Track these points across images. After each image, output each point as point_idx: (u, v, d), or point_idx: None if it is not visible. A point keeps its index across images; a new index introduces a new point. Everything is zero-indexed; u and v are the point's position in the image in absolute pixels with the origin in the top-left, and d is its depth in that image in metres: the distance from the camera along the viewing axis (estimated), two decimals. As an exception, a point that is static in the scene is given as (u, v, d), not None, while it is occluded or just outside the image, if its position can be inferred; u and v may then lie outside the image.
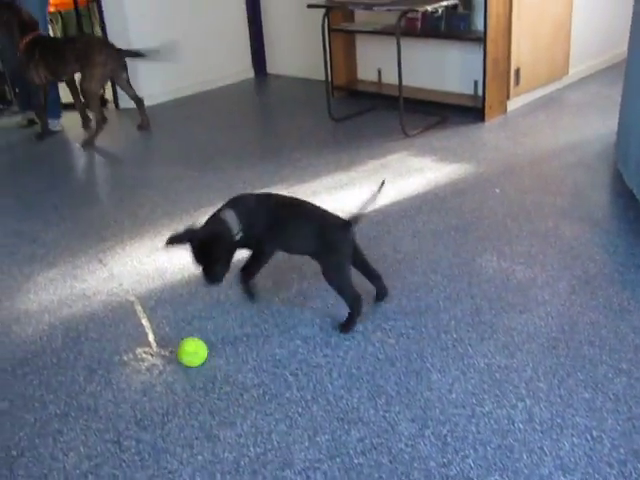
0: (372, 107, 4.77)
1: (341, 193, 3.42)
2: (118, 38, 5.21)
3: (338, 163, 3.81)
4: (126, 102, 5.38)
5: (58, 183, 4.03)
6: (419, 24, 4.64)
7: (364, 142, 4.10)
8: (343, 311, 2.37)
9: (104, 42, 4.53)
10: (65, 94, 4.99)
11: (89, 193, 3.83)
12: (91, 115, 4.72)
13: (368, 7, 4.12)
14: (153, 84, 5.42)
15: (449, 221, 3.06)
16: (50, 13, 6.91)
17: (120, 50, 4.40)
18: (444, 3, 4.04)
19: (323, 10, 4.41)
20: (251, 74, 5.96)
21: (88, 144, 4.50)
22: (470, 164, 3.67)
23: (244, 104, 5.32)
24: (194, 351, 2.24)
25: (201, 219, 2.37)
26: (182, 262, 2.88)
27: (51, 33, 6.10)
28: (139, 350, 2.36)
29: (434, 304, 2.46)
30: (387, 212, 3.18)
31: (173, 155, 4.22)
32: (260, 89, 5.76)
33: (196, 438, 1.94)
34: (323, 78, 5.22)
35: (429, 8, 3.94)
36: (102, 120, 4.55)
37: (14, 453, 1.96)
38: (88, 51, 4.35)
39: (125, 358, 2.32)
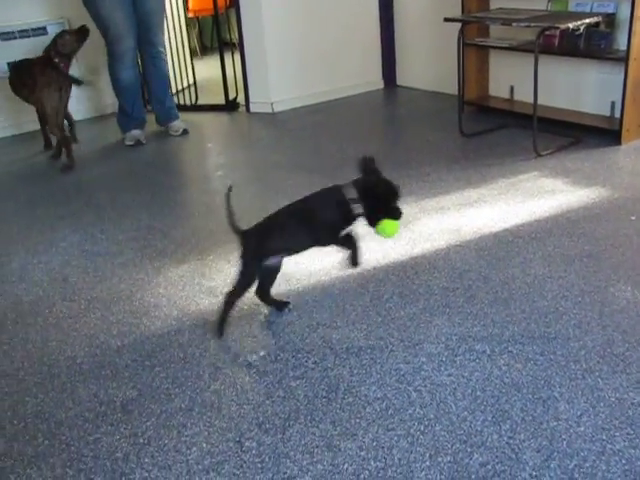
0: (503, 124, 4.67)
1: (470, 210, 3.36)
2: (254, 44, 5.35)
3: (468, 179, 3.75)
4: (258, 106, 5.50)
5: (189, 181, 4.16)
6: (557, 41, 4.52)
7: (495, 160, 4.03)
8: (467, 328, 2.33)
9: (45, 63, 4.51)
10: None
11: (218, 193, 3.91)
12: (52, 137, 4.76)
13: (507, 23, 4.05)
14: (283, 90, 5.52)
15: (581, 246, 2.95)
16: (189, 19, 7.19)
17: (61, 71, 4.49)
18: (587, 20, 3.92)
19: (458, 24, 4.36)
20: (381, 85, 5.97)
21: (67, 167, 4.56)
22: (604, 188, 3.54)
23: (373, 115, 5.33)
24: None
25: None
26: (309, 268, 2.91)
27: (186, 39, 6.28)
28: (263, 353, 2.38)
29: (563, 331, 2.38)
30: (517, 233, 3.10)
31: (302, 162, 4.26)
32: (389, 100, 5.75)
33: (316, 446, 1.94)
34: (453, 92, 5.19)
35: (571, 25, 3.83)
36: (63, 139, 4.57)
37: (141, 441, 2.02)
38: (32, 72, 4.47)
39: (249, 359, 2.36)
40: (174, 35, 5.84)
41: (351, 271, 2.82)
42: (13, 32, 5.43)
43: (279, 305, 2.63)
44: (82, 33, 4.58)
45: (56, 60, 4.49)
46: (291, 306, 2.65)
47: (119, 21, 4.69)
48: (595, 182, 3.64)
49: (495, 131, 4.58)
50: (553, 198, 3.47)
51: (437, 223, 3.25)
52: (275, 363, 2.33)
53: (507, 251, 2.94)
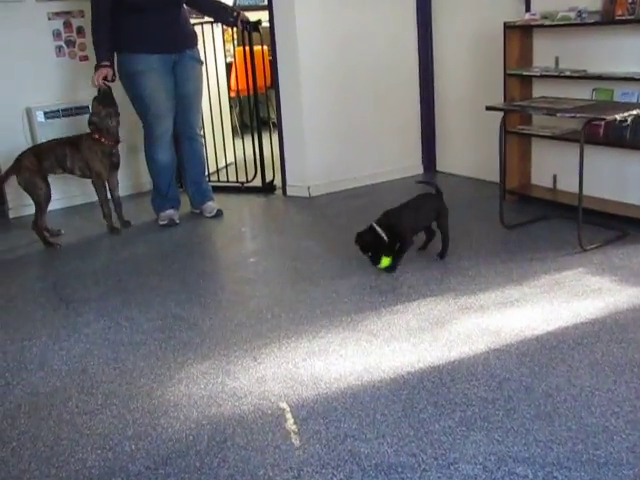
0: (545, 215, 4.52)
1: (511, 310, 3.19)
2: (292, 127, 5.31)
3: (509, 275, 3.58)
4: (294, 190, 5.43)
5: (220, 267, 4.05)
6: (602, 131, 4.39)
7: (537, 253, 3.86)
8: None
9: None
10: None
11: (249, 282, 3.79)
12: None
13: (551, 113, 3.94)
14: (321, 174, 5.45)
15: (632, 355, 2.75)
16: (232, 98, 7.22)
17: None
18: (634, 112, 3.79)
19: (501, 112, 4.27)
20: (420, 170, 5.88)
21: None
22: (655, 289, 3.34)
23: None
24: None
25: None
26: (339, 370, 2.75)
27: (227, 118, 6.28)
28: (284, 466, 2.21)
29: (615, 455, 2.17)
30: (561, 337, 2.92)
31: (336, 249, 4.13)
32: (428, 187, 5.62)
33: None
34: (493, 179, 5.09)
35: (618, 117, 3.70)
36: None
37: None
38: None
39: (270, 474, 2.18)
40: (216, 114, 5.83)
41: (385, 376, 2.65)
42: (57, 111, 5.47)
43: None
44: (104, 97, 4.61)
45: (96, 136, 4.60)
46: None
47: (161, 102, 4.69)
48: (644, 281, 3.44)
49: (537, 222, 4.42)
50: (599, 298, 3.28)
51: (476, 323, 3.07)
52: (297, 479, 2.15)
53: (551, 357, 2.75)
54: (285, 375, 2.75)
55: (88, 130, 4.67)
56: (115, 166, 4.77)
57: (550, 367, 2.68)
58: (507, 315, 3.14)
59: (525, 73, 4.64)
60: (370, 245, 3.67)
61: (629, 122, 3.82)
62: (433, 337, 2.97)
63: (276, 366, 2.83)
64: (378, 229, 3.63)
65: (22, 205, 5.36)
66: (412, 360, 2.80)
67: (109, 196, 4.80)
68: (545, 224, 4.38)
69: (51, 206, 4.76)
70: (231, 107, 7.58)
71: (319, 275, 3.75)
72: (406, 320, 3.16)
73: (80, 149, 4.62)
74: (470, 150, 5.61)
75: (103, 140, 4.61)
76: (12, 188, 5.23)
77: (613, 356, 2.75)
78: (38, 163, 4.59)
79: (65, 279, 4.05)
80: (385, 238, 3.62)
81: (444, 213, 3.87)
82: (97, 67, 4.60)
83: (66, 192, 5.46)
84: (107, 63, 4.58)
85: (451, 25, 5.50)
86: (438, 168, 5.95)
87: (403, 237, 3.71)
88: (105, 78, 4.59)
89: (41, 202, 4.65)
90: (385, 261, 3.68)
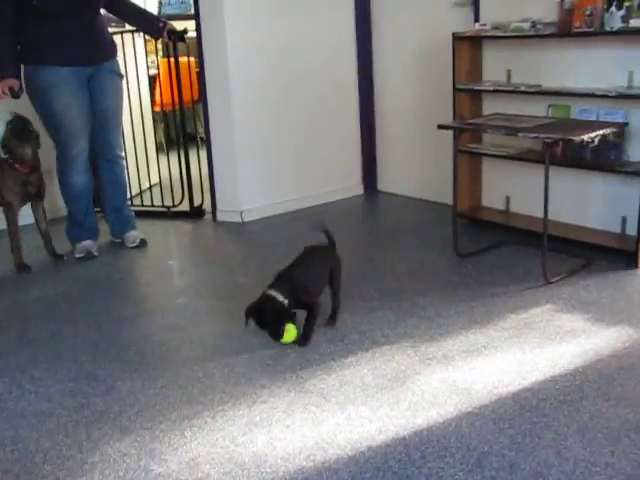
0: (501, 241, 4.17)
1: (479, 360, 2.80)
2: (222, 146, 4.85)
3: (471, 315, 3.20)
4: (225, 215, 4.97)
5: (143, 311, 3.56)
6: (559, 150, 4.05)
7: (498, 288, 3.49)
8: None
9: None
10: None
11: (176, 328, 3.30)
12: None
13: (512, 133, 3.59)
14: (254, 197, 5.00)
15: (624, 415, 2.39)
16: (156, 113, 6.72)
17: None
18: (601, 132, 3.48)
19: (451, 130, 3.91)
20: (360, 191, 5.48)
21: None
22: (632, 327, 3.01)
23: (353, 227, 4.79)
24: None
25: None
26: (286, 447, 2.30)
27: (150, 134, 5.77)
28: None
29: None
30: (540, 394, 2.53)
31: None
32: (371, 209, 5.24)
33: None
34: (438, 200, 4.80)
35: (585, 138, 3.37)
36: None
37: None
38: None
39: None
40: (139, 131, 5.31)
41: (343, 454, 2.21)
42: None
43: None
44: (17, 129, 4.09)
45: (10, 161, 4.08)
46: None
47: (74, 120, 4.17)
48: (620, 319, 3.11)
49: (493, 250, 4.07)
50: (575, 341, 2.92)
51: (442, 379, 2.67)
52: None
53: (533, 422, 2.36)
54: (222, 456, 2.29)
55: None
56: (36, 195, 4.22)
57: (534, 435, 2.29)
58: (476, 367, 2.75)
59: (477, 88, 4.30)
60: (270, 317, 2.91)
61: (596, 142, 3.47)
62: (394, 398, 2.56)
63: (211, 443, 2.36)
64: (276, 294, 2.93)
65: None
66: (372, 431, 2.37)
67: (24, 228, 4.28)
68: (502, 251, 4.04)
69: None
70: (155, 122, 7.08)
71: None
72: (360, 376, 2.73)
73: None
74: (414, 169, 5.25)
75: (17, 166, 4.05)
76: None
77: (603, 417, 2.37)
78: None
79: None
80: (286, 304, 2.92)
81: (338, 268, 3.24)
82: (1, 80, 4.06)
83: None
84: (12, 75, 4.04)
85: (394, 36, 5.13)
86: (380, 187, 5.58)
87: (310, 301, 3.03)
88: (11, 89, 4.04)
89: None
90: (291, 333, 2.99)
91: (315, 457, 2.24)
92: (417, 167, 5.20)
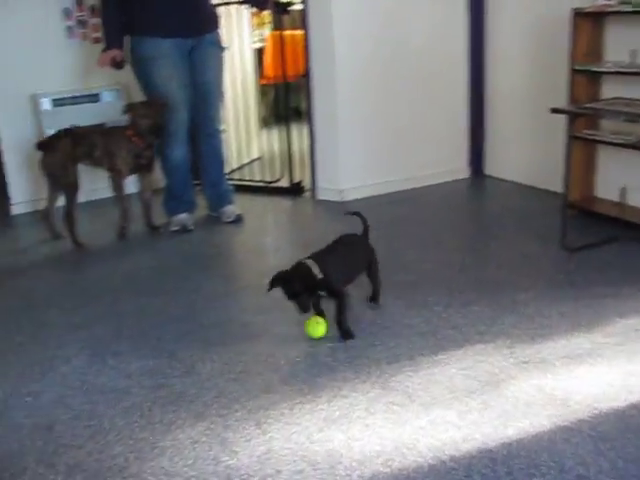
0: (614, 236, 3.86)
1: (581, 369, 2.56)
2: (325, 123, 4.71)
3: (575, 317, 2.95)
4: (325, 193, 4.84)
5: (233, 289, 3.48)
6: (687, 140, 3.72)
7: (608, 287, 3.22)
8: None
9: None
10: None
11: (263, 311, 3.20)
12: None
13: (633, 119, 3.28)
14: (356, 176, 4.84)
15: None
16: (263, 86, 6.65)
17: None
18: None
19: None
20: (466, 174, 5.23)
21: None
22: None
23: (457, 213, 4.56)
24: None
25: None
26: (364, 449, 2.16)
27: (253, 108, 5.68)
28: None
29: None
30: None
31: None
32: (476, 194, 5.00)
33: None
34: (549, 188, 4.51)
35: None
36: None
37: None
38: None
39: None
40: (241, 104, 5.24)
41: (423, 462, 2.05)
42: (65, 98, 4.93)
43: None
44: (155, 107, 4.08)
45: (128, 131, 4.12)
46: None
47: (174, 93, 4.13)
48: None
49: (604, 245, 3.77)
50: (692, 355, 2.63)
51: (538, 387, 2.45)
52: None
53: (638, 446, 2.12)
54: (295, 452, 2.17)
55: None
56: (145, 167, 4.22)
57: (639, 462, 2.05)
58: (576, 376, 2.52)
59: (595, 69, 3.97)
60: (302, 287, 2.72)
61: None
62: (484, 404, 2.37)
63: (285, 438, 2.25)
64: (312, 266, 2.76)
65: (30, 200, 4.86)
66: (457, 438, 2.19)
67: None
68: (614, 248, 3.73)
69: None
70: (263, 95, 7.03)
71: (364, 306, 3.15)
72: (449, 376, 2.55)
73: (110, 141, 4.12)
74: (524, 154, 4.95)
75: (134, 139, 4.07)
76: (18, 181, 4.82)
77: None
78: (72, 147, 4.08)
79: (53, 295, 3.53)
80: (319, 277, 2.74)
81: (373, 257, 3.08)
82: (105, 50, 4.07)
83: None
84: (116, 47, 4.04)
85: (509, 11, 4.83)
86: (487, 171, 5.30)
87: (339, 289, 2.84)
88: (113, 60, 4.04)
89: (72, 189, 4.14)
90: (321, 327, 2.84)
91: (393, 462, 2.09)
92: (527, 152, 4.91)
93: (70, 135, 4.11)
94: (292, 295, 2.75)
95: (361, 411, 2.37)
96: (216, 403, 2.47)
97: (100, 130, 4.26)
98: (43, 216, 4.31)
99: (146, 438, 2.30)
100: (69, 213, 4.11)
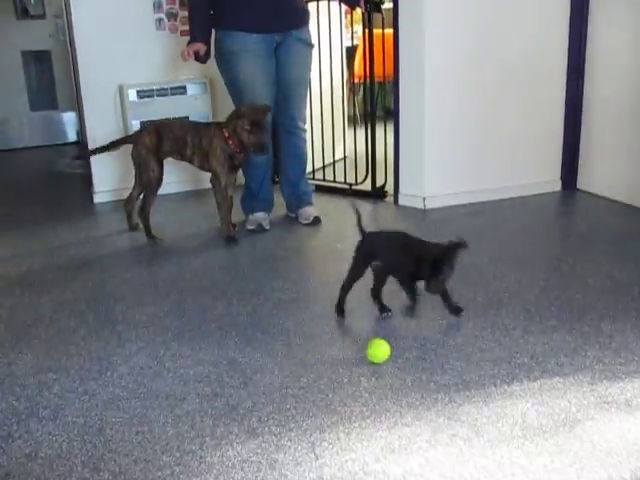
0: None
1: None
2: (410, 126, 4.54)
3: (667, 355, 2.70)
4: (407, 199, 4.67)
5: (301, 295, 3.36)
6: None
7: None
8: None
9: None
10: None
11: (330, 321, 3.08)
12: None
13: None
14: (440, 183, 4.66)
15: None
16: (354, 84, 6.54)
17: None
18: None
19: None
20: (557, 187, 4.95)
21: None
22: None
23: (544, 228, 4.31)
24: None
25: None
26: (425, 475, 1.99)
27: (340, 107, 5.54)
28: None
29: None
30: None
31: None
32: (567, 209, 4.73)
33: None
34: None
35: None
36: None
37: None
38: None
39: None
40: (327, 102, 5.12)
41: None
42: (151, 90, 4.93)
43: (382, 307, 3.03)
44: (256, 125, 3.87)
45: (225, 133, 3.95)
46: (390, 314, 3.02)
47: (257, 89, 4.04)
48: None
49: None
50: None
51: (620, 432, 2.24)
52: None
53: None
54: (348, 481, 2.03)
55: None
56: (235, 168, 4.11)
57: None
58: (663, 430, 2.28)
59: None
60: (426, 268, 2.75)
61: None
62: (557, 447, 2.17)
63: (338, 465, 2.11)
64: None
65: (111, 190, 4.89)
66: (524, 483, 2.00)
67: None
68: None
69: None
70: (353, 93, 6.90)
71: (435, 325, 2.98)
72: (522, 411, 2.36)
73: (202, 138, 3.99)
74: (622, 168, 4.65)
75: (230, 142, 3.93)
76: (101, 170, 4.86)
77: None
78: (158, 142, 4.04)
79: (121, 289, 3.49)
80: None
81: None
82: (189, 43, 4.02)
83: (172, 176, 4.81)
84: (200, 40, 3.98)
85: (613, 16, 4.52)
86: (579, 186, 5.01)
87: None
88: (197, 53, 3.98)
89: (151, 186, 4.10)
90: (385, 350, 2.68)
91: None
92: (626, 167, 4.61)
93: (156, 129, 4.05)
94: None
95: (423, 442, 2.21)
96: (271, 419, 2.35)
97: (191, 125, 4.15)
98: (125, 205, 4.30)
99: (194, 451, 2.20)
100: (144, 207, 4.08)
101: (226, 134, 3.91)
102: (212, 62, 4.14)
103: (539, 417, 2.32)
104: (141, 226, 4.20)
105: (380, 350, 2.66)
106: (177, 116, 4.79)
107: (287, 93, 4.19)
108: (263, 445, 2.22)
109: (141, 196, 4.19)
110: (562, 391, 2.46)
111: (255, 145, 3.85)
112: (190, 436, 2.28)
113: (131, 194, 4.25)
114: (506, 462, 2.10)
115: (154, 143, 4.01)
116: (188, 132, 4.03)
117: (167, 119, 4.36)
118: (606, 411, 2.35)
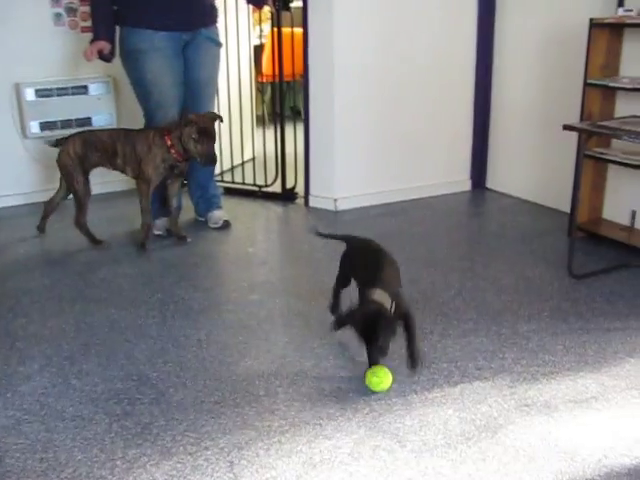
0: (622, 263, 3.64)
1: (588, 416, 2.34)
2: (320, 126, 4.48)
3: (581, 353, 2.73)
4: (318, 201, 4.61)
5: (212, 304, 3.24)
6: None
7: (616, 322, 3.00)
8: None
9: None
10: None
11: (244, 329, 2.98)
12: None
13: (652, 141, 3.05)
14: (351, 184, 4.62)
15: None
16: (261, 84, 6.46)
17: None
18: None
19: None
20: (467, 187, 5.00)
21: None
22: None
23: (456, 228, 4.33)
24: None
25: None
26: (343, 506, 1.92)
27: (248, 107, 5.44)
28: None
29: None
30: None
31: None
32: (477, 209, 4.76)
33: None
34: (554, 206, 4.31)
35: None
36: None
37: None
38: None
39: None
40: (236, 101, 5.00)
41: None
42: (51, 89, 4.69)
43: (334, 305, 2.88)
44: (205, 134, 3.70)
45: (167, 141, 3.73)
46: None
47: (165, 90, 3.89)
48: None
49: (612, 272, 3.55)
50: None
51: (541, 435, 2.23)
52: None
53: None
54: (268, 503, 1.93)
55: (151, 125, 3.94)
56: (178, 175, 3.92)
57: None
58: (584, 423, 2.29)
59: (612, 84, 3.74)
60: (383, 328, 2.36)
61: None
62: (481, 453, 2.14)
63: (257, 485, 2.01)
64: (381, 295, 2.41)
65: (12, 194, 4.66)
66: (443, 497, 1.96)
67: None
68: (623, 276, 3.51)
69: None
70: (260, 92, 6.81)
71: (341, 334, 2.90)
72: (444, 418, 2.32)
73: (137, 145, 3.76)
74: (529, 168, 4.73)
75: (172, 151, 3.74)
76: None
77: None
78: (83, 153, 3.80)
79: (24, 301, 3.29)
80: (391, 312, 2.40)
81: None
82: (92, 41, 3.83)
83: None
84: (104, 38, 3.80)
85: (520, 21, 4.59)
86: (489, 185, 5.08)
87: (410, 311, 2.53)
88: (100, 53, 3.79)
89: (78, 197, 3.89)
90: (387, 378, 2.43)
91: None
92: (533, 167, 4.69)
93: (82, 139, 3.84)
94: (372, 339, 2.37)
95: (345, 456, 2.14)
96: (185, 438, 2.24)
97: (123, 133, 3.86)
98: (46, 205, 4.08)
99: (105, 477, 2.07)
100: (77, 220, 3.94)
101: (169, 142, 3.71)
102: (117, 60, 3.95)
103: (461, 424, 2.29)
104: (45, 231, 4.02)
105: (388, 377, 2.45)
106: (78, 117, 4.60)
107: (196, 93, 4.06)
108: (178, 466, 2.10)
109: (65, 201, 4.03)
110: (482, 395, 2.44)
111: (203, 155, 3.69)
112: (100, 460, 2.14)
113: (53, 197, 4.03)
114: (430, 472, 2.05)
115: (79, 154, 3.78)
116: (117, 140, 3.79)
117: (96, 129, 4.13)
118: (526, 414, 2.34)
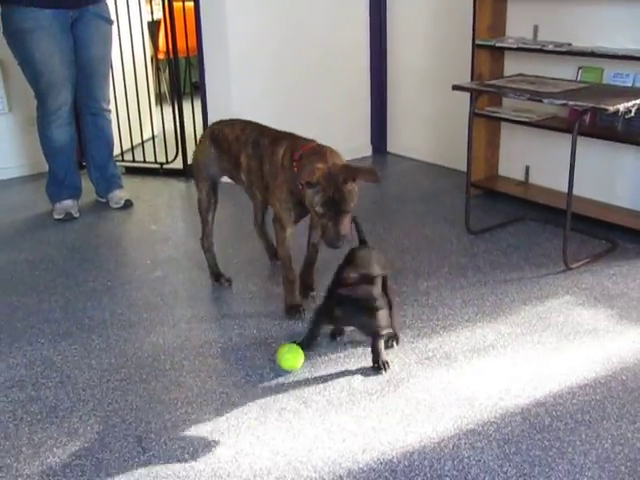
0: (518, 217, 3.78)
1: (486, 362, 2.44)
2: (217, 100, 4.45)
3: (480, 305, 2.83)
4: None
5: (117, 284, 3.21)
6: (587, 119, 3.65)
7: (512, 273, 3.12)
8: None
9: None
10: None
11: (149, 307, 2.97)
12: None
13: (536, 98, 3.17)
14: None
15: (657, 443, 2.02)
16: (159, 61, 6.36)
17: None
18: (639, 101, 3.04)
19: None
20: (368, 152, 5.07)
21: None
22: (664, 328, 2.62)
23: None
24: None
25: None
26: (253, 465, 1.96)
27: (144, 84, 5.35)
28: None
29: None
30: (556, 409, 2.17)
31: (257, 262, 3.31)
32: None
33: None
34: (453, 166, 4.44)
35: (621, 108, 2.95)
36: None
37: None
38: None
39: None
40: (132, 80, 4.91)
41: (317, 477, 1.87)
42: None
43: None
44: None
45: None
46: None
47: (55, 70, 3.79)
48: (648, 316, 2.72)
49: (509, 226, 3.68)
50: (597, 344, 2.55)
51: (441, 385, 2.31)
52: None
53: (544, 447, 2.00)
54: (177, 473, 1.96)
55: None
56: None
57: (545, 465, 1.93)
58: (481, 370, 2.39)
59: (498, 44, 3.86)
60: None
61: (632, 113, 3.05)
62: (384, 407, 2.21)
63: (167, 457, 2.03)
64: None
65: None
66: (355, 448, 2.02)
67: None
68: (518, 228, 3.65)
69: None
70: (159, 70, 6.70)
71: (245, 304, 2.94)
72: (348, 377, 2.38)
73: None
74: (427, 131, 4.83)
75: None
76: None
77: (628, 445, 2.02)
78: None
79: None
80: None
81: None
82: None
83: None
84: None
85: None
86: (389, 149, 5.17)
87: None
88: None
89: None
90: (296, 357, 2.38)
91: (285, 480, 1.90)
92: (431, 129, 4.79)
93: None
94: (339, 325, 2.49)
95: (252, 420, 2.17)
96: (92, 417, 2.23)
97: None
98: None
99: (10, 465, 2.04)
100: None
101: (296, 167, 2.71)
102: (2, 41, 3.82)
103: (364, 381, 2.35)
104: None
105: (296, 358, 2.40)
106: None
107: (88, 73, 3.97)
108: (86, 446, 2.09)
109: None
110: (385, 352, 2.50)
111: (328, 237, 2.51)
112: (4, 449, 2.11)
113: None
114: (335, 429, 2.11)
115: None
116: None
117: None
118: (427, 367, 2.42)
